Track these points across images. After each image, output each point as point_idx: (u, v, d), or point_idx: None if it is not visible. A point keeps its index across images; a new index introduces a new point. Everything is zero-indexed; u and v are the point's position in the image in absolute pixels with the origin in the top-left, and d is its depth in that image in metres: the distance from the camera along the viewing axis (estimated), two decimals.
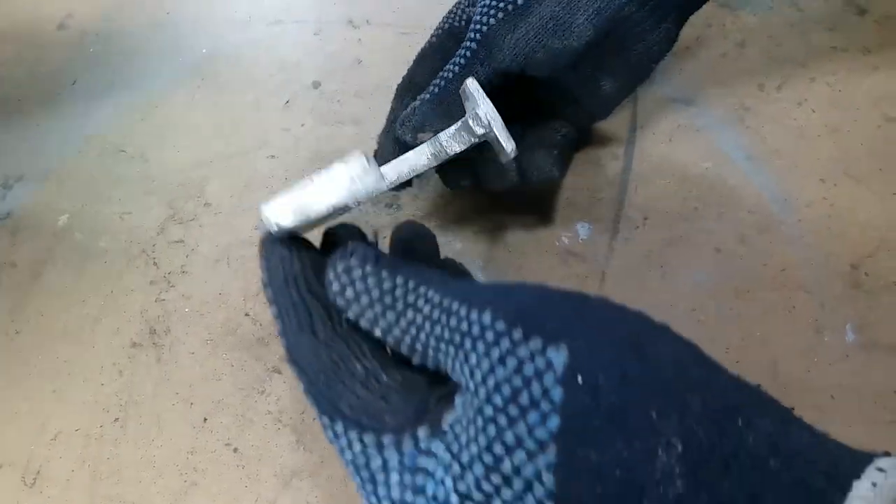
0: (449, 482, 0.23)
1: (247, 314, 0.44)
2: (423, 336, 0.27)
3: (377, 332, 0.28)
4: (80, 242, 0.48)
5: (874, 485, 0.20)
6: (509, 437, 0.22)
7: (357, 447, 0.26)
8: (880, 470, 0.20)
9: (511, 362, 0.23)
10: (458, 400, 0.25)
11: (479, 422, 0.23)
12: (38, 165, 0.52)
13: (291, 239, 0.32)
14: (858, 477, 0.20)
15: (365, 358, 0.28)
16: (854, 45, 0.52)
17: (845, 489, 0.20)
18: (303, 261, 0.30)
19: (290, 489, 0.38)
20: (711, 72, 0.52)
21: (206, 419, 0.41)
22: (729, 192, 0.45)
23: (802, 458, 0.21)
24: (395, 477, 0.25)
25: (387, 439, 0.25)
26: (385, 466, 0.25)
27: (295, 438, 0.40)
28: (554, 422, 0.21)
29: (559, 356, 0.22)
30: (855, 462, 0.21)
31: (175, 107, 0.54)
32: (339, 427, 0.27)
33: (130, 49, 0.58)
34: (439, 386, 0.27)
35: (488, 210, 0.46)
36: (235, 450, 0.40)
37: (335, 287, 0.29)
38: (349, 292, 0.28)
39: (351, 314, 0.29)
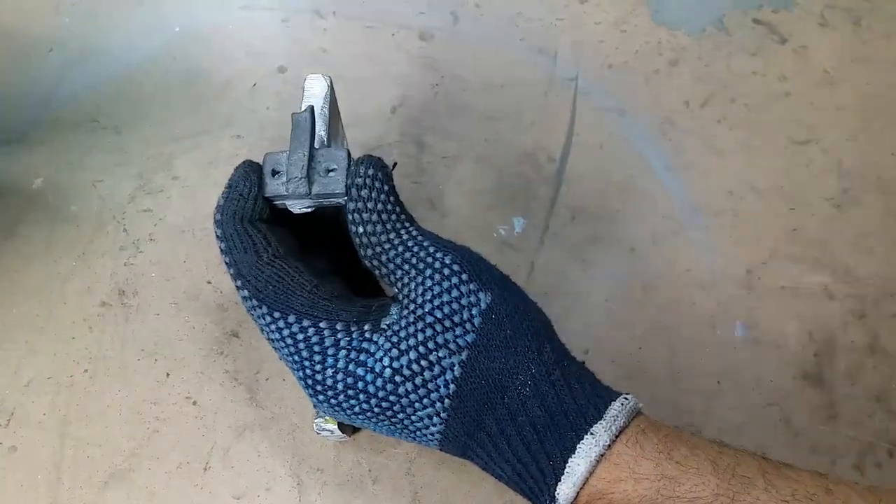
0: (386, 360, 0.33)
1: (209, 282, 0.48)
2: (392, 254, 0.35)
3: (364, 238, 0.36)
4: (52, 205, 0.51)
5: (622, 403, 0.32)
6: (440, 338, 0.33)
7: (311, 332, 0.34)
8: (626, 398, 0.33)
9: (454, 292, 0.34)
10: (394, 309, 0.34)
11: (420, 325, 0.33)
12: (14, 128, 0.55)
13: (256, 176, 0.37)
14: (614, 399, 0.32)
15: (304, 275, 0.35)
16: (772, 72, 0.58)
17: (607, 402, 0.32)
18: (255, 203, 0.37)
19: (243, 440, 0.43)
20: (644, 86, 0.57)
21: (168, 374, 0.45)
22: (647, 198, 0.51)
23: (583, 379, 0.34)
24: (343, 353, 0.33)
25: (340, 325, 0.34)
26: (336, 344, 0.33)
27: (249, 396, 0.44)
28: (471, 336, 0.33)
29: (485, 298, 0.34)
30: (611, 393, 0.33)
31: (148, 82, 0.57)
32: (292, 318, 0.34)
33: (106, 21, 0.61)
34: (366, 300, 0.36)
35: (438, 199, 0.51)
36: (195, 403, 0.44)
37: (358, 181, 0.35)
38: (364, 193, 0.35)
39: (355, 210, 0.35)
